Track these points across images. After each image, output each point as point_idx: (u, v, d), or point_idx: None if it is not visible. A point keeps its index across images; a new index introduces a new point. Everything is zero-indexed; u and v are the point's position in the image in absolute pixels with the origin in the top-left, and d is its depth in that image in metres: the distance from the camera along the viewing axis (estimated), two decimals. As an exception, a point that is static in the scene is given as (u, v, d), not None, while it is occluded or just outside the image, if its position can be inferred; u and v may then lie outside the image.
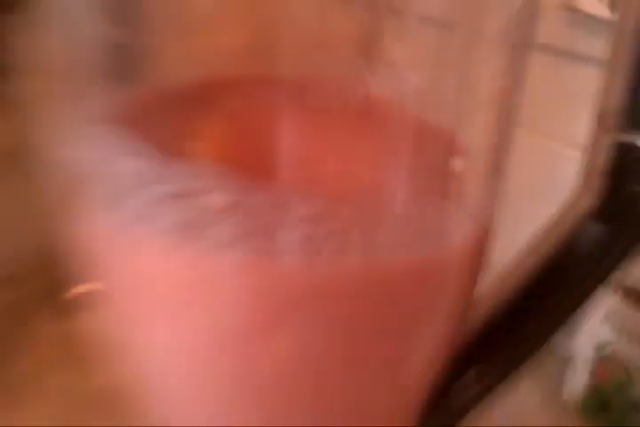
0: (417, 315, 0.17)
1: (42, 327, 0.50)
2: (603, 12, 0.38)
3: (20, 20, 0.43)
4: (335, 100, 0.18)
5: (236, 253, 0.13)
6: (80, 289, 0.52)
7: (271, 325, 0.15)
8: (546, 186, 0.44)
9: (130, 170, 0.13)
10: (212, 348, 0.15)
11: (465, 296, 0.18)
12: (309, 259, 0.14)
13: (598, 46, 0.23)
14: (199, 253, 0.13)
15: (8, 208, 0.50)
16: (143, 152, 0.13)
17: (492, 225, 0.18)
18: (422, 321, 0.17)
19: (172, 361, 0.16)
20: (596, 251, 0.19)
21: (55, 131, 0.19)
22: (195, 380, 0.16)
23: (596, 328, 0.43)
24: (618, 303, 0.41)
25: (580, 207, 0.19)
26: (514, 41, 0.17)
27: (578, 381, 0.45)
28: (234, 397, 0.16)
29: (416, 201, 0.15)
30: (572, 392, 0.46)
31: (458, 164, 0.16)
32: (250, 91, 0.18)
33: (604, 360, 0.43)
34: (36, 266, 0.55)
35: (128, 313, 0.17)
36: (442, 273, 0.16)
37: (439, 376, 0.19)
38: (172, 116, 0.17)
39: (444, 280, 0.16)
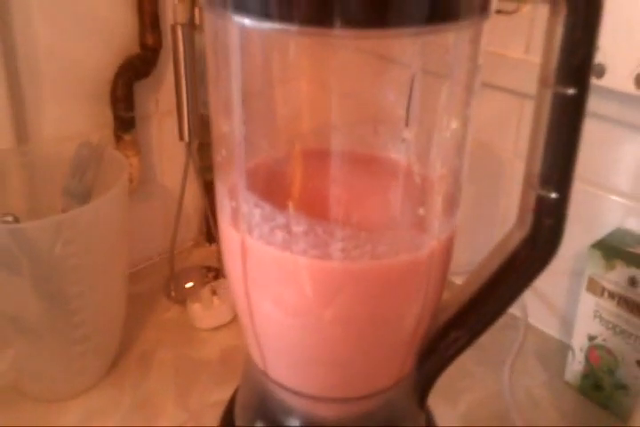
0: (409, 294, 0.29)
1: (160, 313, 0.65)
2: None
3: (150, 83, 0.59)
4: (357, 163, 0.30)
5: (308, 257, 0.26)
6: (189, 286, 0.66)
7: (328, 297, 0.28)
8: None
9: (257, 214, 0.27)
10: (299, 309, 0.28)
11: (440, 283, 0.30)
12: (344, 261, 0.27)
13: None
14: (290, 256, 0.27)
15: (138, 222, 0.64)
16: (262, 204, 0.27)
17: (452, 240, 0.30)
18: (413, 297, 0.29)
19: (276, 317, 0.29)
20: (524, 263, 0.31)
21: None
22: (289, 329, 0.29)
23: (588, 323, 0.53)
24: (604, 303, 0.51)
25: (517, 235, 0.31)
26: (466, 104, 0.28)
27: (575, 365, 0.55)
28: (312, 336, 0.29)
29: (403, 226, 0.28)
30: (571, 374, 0.56)
31: (425, 203, 0.29)
32: (314, 160, 0.31)
33: (596, 348, 0.53)
34: (156, 266, 0.70)
35: (250, 289, 0.30)
36: (420, 269, 0.28)
37: (428, 334, 0.32)
38: (276, 177, 0.30)
39: (423, 273, 0.29)
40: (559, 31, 0.28)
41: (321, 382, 0.31)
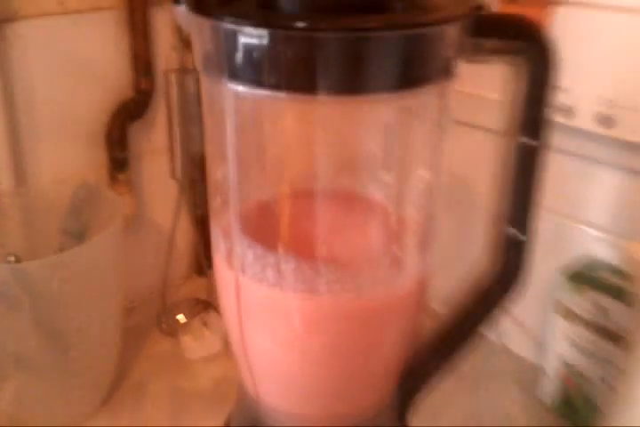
0: (389, 325, 0.32)
1: (153, 346, 0.67)
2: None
3: (142, 123, 0.62)
4: (340, 206, 0.34)
5: (296, 292, 0.29)
6: (180, 318, 0.69)
7: (315, 329, 0.31)
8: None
9: (250, 254, 0.30)
10: (289, 339, 0.31)
11: (416, 316, 0.33)
12: (328, 295, 0.30)
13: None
14: (280, 291, 0.30)
15: (130, 257, 0.66)
16: (254, 245, 0.30)
17: (426, 277, 0.33)
18: (393, 328, 0.32)
19: (268, 347, 0.32)
20: (491, 297, 0.34)
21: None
22: (280, 359, 0.32)
23: (559, 346, 0.56)
24: (573, 327, 0.54)
25: (488, 269, 0.35)
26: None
27: (549, 386, 0.58)
28: (301, 364, 0.31)
29: (378, 265, 0.31)
30: (545, 395, 0.58)
31: (401, 244, 0.32)
32: (301, 203, 0.35)
33: (568, 370, 0.55)
34: (147, 300, 0.72)
35: (243, 322, 0.33)
36: (394, 305, 0.31)
37: (407, 359, 0.35)
38: (266, 219, 0.34)
39: (401, 306, 0.32)
40: (520, 88, 0.31)
41: (308, 406, 0.34)
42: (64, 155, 0.62)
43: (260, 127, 0.32)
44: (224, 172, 0.31)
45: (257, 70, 0.26)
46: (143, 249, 0.71)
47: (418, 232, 0.32)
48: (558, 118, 0.52)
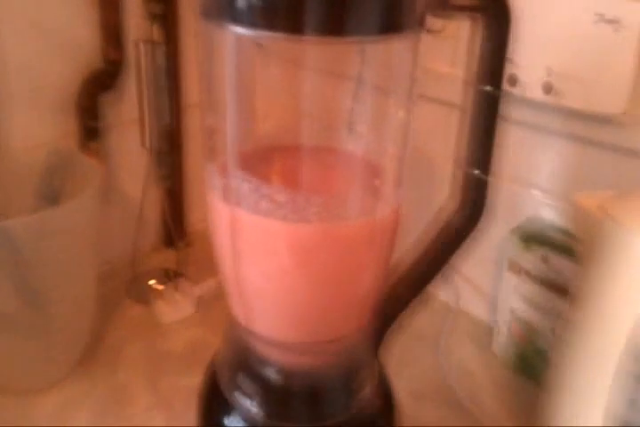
0: (368, 252, 0.36)
1: (125, 312, 0.69)
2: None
3: (113, 94, 0.64)
4: (325, 151, 0.37)
5: (289, 221, 0.33)
6: (152, 283, 0.71)
7: (304, 256, 0.34)
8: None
9: (245, 186, 0.33)
10: (280, 267, 0.34)
11: (391, 244, 0.37)
12: (318, 223, 0.33)
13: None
14: (274, 221, 0.33)
15: (101, 228, 0.68)
16: (250, 178, 0.33)
17: (399, 209, 0.37)
18: (371, 256, 0.36)
19: (260, 276, 0.35)
20: (457, 229, 0.39)
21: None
22: (270, 286, 0.35)
23: (509, 299, 0.61)
24: (521, 281, 0.59)
25: (449, 207, 0.39)
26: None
27: (501, 338, 0.63)
28: (289, 290, 0.35)
29: (359, 197, 0.35)
30: (497, 347, 0.63)
31: (379, 178, 0.36)
32: (287, 149, 0.38)
33: (517, 321, 0.60)
34: (116, 269, 0.74)
35: (237, 254, 0.36)
36: (374, 232, 0.35)
37: (383, 290, 0.39)
38: (259, 161, 0.37)
39: (378, 234, 0.35)
40: (479, 43, 0.35)
41: (296, 330, 0.37)
42: (36, 122, 0.63)
43: (253, 74, 0.35)
44: (220, 116, 0.34)
45: (254, 12, 0.29)
46: (112, 219, 0.73)
47: (393, 167, 0.36)
48: (506, 88, 0.56)
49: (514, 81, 0.56)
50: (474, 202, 0.38)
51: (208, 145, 0.36)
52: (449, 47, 0.63)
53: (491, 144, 0.37)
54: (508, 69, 0.55)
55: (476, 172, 0.37)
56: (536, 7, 0.53)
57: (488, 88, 0.35)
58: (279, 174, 0.36)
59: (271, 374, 0.39)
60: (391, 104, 0.35)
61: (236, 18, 0.30)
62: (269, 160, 0.37)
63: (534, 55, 0.54)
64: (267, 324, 0.37)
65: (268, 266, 0.35)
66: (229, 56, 0.31)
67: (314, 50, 0.32)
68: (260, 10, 0.29)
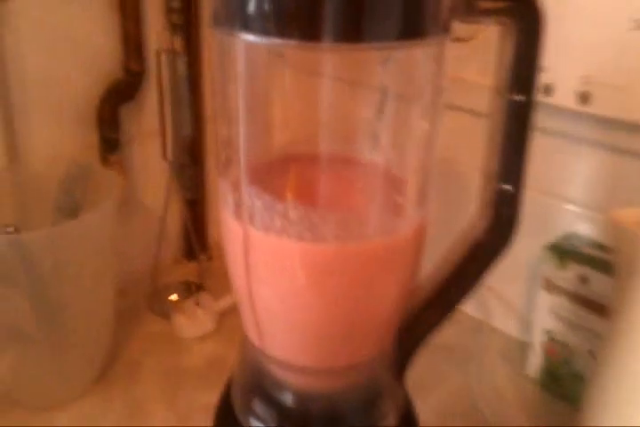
0: (390, 273, 0.34)
1: (145, 326, 0.67)
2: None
3: (134, 105, 0.63)
4: (343, 163, 0.35)
5: (303, 240, 0.31)
6: (173, 297, 0.70)
7: (320, 276, 0.32)
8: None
9: (259, 203, 0.31)
10: (294, 288, 0.32)
11: (415, 264, 0.35)
12: (334, 243, 0.31)
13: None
14: (288, 239, 0.31)
15: (122, 241, 0.67)
16: (263, 195, 0.31)
17: (424, 227, 0.35)
18: (393, 276, 0.34)
19: (274, 296, 0.33)
20: (487, 248, 0.36)
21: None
22: (285, 307, 0.33)
23: (544, 319, 0.58)
24: (558, 300, 0.56)
25: (479, 225, 0.36)
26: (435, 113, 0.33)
27: (535, 359, 0.60)
28: (305, 312, 0.33)
29: (379, 214, 0.32)
30: (531, 368, 0.60)
31: (401, 194, 0.33)
32: (303, 162, 0.36)
33: (552, 342, 0.58)
34: (137, 282, 0.73)
35: (251, 273, 0.34)
36: (396, 251, 0.33)
37: (406, 312, 0.36)
38: (272, 174, 0.35)
39: (401, 254, 0.33)
40: (509, 49, 0.33)
41: (312, 355, 0.35)
42: (56, 134, 0.62)
43: (268, 82, 0.33)
44: (232, 127, 0.32)
45: (267, 20, 0.27)
46: (134, 231, 0.72)
47: (417, 182, 0.34)
48: (539, 97, 0.54)
49: (547, 89, 0.53)
50: (506, 220, 0.36)
51: (221, 159, 0.34)
52: (478, 55, 0.60)
53: (524, 157, 0.34)
54: (542, 78, 0.53)
55: (509, 187, 0.35)
56: (570, 14, 0.51)
57: (520, 97, 0.33)
58: (294, 189, 0.34)
59: (287, 398, 0.37)
60: (415, 115, 0.33)
61: (248, 25, 0.28)
62: (284, 173, 0.35)
63: (568, 63, 0.52)
64: (281, 347, 0.35)
65: (282, 286, 0.33)
66: (241, 65, 0.30)
67: (331, 58, 0.30)
68: (273, 16, 0.27)
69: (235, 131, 0.32)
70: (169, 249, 0.77)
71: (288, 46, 0.28)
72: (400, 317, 0.37)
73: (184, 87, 0.65)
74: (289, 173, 0.35)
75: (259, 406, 0.37)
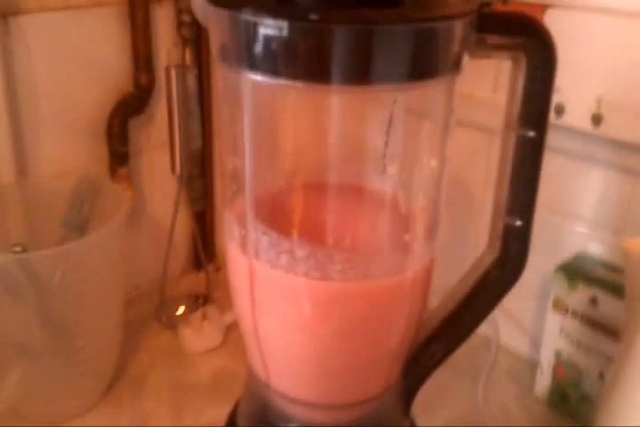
0: (396, 310, 0.33)
1: (152, 339, 0.67)
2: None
3: (143, 119, 0.63)
4: (351, 197, 0.35)
5: (310, 278, 0.30)
6: (180, 311, 0.69)
7: (326, 314, 0.32)
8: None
9: (265, 240, 0.31)
10: (300, 324, 0.32)
11: (422, 300, 0.34)
12: (341, 281, 0.31)
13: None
14: (294, 277, 0.31)
15: (129, 252, 0.67)
16: (269, 231, 0.31)
17: (432, 264, 0.34)
18: (399, 313, 0.33)
19: (280, 332, 0.33)
20: (495, 282, 0.36)
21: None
22: (290, 343, 0.33)
23: (554, 340, 0.57)
24: (568, 321, 0.56)
25: (488, 258, 0.36)
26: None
27: (544, 380, 0.59)
28: (311, 348, 0.32)
29: (388, 253, 0.32)
30: (540, 389, 0.60)
31: (409, 231, 0.33)
32: (310, 195, 0.36)
33: (562, 363, 0.57)
34: (146, 294, 0.73)
35: (256, 307, 0.34)
36: (403, 290, 0.32)
37: (411, 346, 0.36)
38: (279, 207, 0.35)
39: (408, 292, 0.33)
40: (520, 82, 0.32)
41: (317, 390, 0.35)
42: (65, 148, 0.62)
43: (273, 116, 0.33)
44: (237, 161, 0.32)
45: (274, 60, 0.27)
46: (142, 243, 0.72)
47: (425, 219, 0.34)
48: (552, 119, 0.53)
49: (560, 110, 0.52)
50: (514, 254, 0.35)
51: (227, 192, 0.34)
52: (491, 72, 0.60)
53: (534, 193, 0.34)
54: (555, 98, 0.53)
55: (518, 222, 0.34)
56: (587, 35, 0.50)
57: (531, 133, 0.32)
58: (301, 224, 0.33)
59: (293, 430, 0.37)
60: (423, 151, 0.33)
61: (255, 64, 0.28)
62: (291, 207, 0.35)
63: (583, 84, 0.51)
64: (287, 381, 0.35)
65: (288, 320, 0.33)
66: (247, 102, 0.29)
67: (340, 97, 0.29)
68: (281, 57, 0.27)
69: (241, 165, 0.31)
70: (177, 260, 0.77)
71: (295, 88, 0.27)
72: (406, 352, 0.36)
73: (194, 100, 0.65)
74: (295, 208, 0.35)
75: (264, 438, 0.37)
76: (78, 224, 0.59)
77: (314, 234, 0.32)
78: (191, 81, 0.64)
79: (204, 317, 0.67)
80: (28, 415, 0.56)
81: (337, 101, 0.30)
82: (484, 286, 0.36)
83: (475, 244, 0.64)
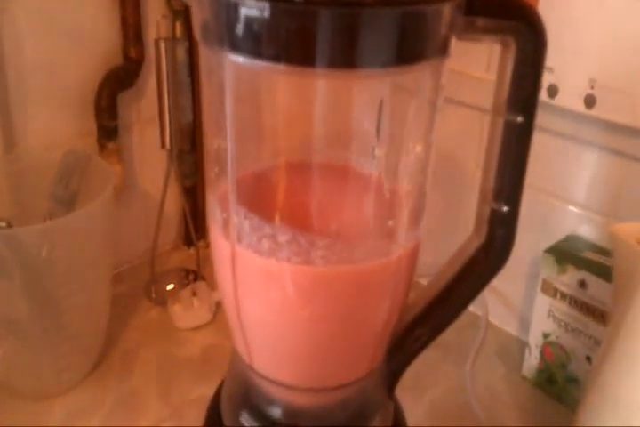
0: (379, 295, 0.33)
1: (142, 314, 0.67)
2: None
3: (132, 92, 0.61)
4: (335, 180, 0.34)
5: (291, 263, 0.30)
6: (170, 287, 0.69)
7: (308, 298, 0.32)
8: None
9: (246, 224, 0.30)
10: (282, 309, 0.32)
11: (406, 285, 0.34)
12: (323, 267, 0.30)
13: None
14: (276, 262, 0.30)
15: (119, 226, 0.66)
16: (251, 216, 0.30)
17: (417, 247, 0.34)
18: (383, 298, 0.33)
19: (262, 316, 0.33)
20: (480, 267, 0.35)
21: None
22: (273, 326, 0.33)
23: (542, 322, 0.57)
24: (557, 303, 0.56)
25: (474, 242, 0.36)
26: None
27: (531, 361, 0.59)
28: (293, 332, 0.32)
29: (371, 238, 0.32)
30: (527, 369, 0.60)
31: (394, 217, 0.33)
32: (297, 175, 0.35)
33: (550, 345, 0.57)
34: (136, 269, 0.73)
35: (238, 291, 0.33)
36: (387, 275, 0.32)
37: (396, 330, 0.36)
38: (262, 190, 0.34)
39: (392, 277, 0.32)
40: (509, 67, 0.32)
41: (300, 373, 0.35)
42: (53, 122, 0.61)
43: (257, 98, 0.32)
44: (221, 142, 0.31)
45: (257, 42, 0.26)
46: (132, 218, 0.71)
47: (410, 204, 0.33)
48: (542, 97, 0.52)
49: (553, 91, 0.52)
50: (500, 240, 0.35)
51: (210, 175, 0.33)
52: (484, 51, 0.59)
53: (521, 179, 0.33)
54: (548, 79, 0.52)
55: (505, 208, 0.34)
56: (580, 16, 0.49)
57: (519, 118, 0.32)
58: (283, 208, 0.33)
59: (276, 412, 0.37)
60: (409, 134, 0.32)
61: (237, 45, 0.27)
62: (274, 190, 0.34)
63: (576, 65, 0.50)
64: (270, 364, 0.35)
65: (270, 304, 0.33)
66: (229, 83, 0.29)
67: (325, 81, 0.29)
68: (264, 38, 0.26)
69: (222, 145, 0.31)
70: (168, 236, 0.77)
71: (278, 71, 0.27)
72: (390, 336, 0.36)
73: (184, 74, 0.64)
74: (278, 192, 0.34)
75: (247, 420, 0.37)
76: (66, 199, 0.58)
77: (297, 219, 0.31)
78: (181, 54, 0.63)
79: (194, 293, 0.67)
80: (17, 391, 0.57)
81: (322, 85, 0.29)
82: (469, 272, 0.36)
83: (466, 223, 0.64)
